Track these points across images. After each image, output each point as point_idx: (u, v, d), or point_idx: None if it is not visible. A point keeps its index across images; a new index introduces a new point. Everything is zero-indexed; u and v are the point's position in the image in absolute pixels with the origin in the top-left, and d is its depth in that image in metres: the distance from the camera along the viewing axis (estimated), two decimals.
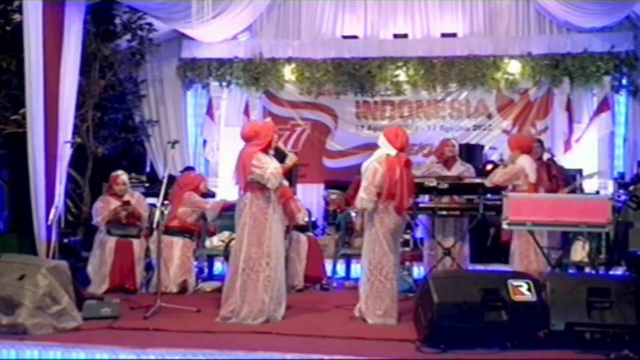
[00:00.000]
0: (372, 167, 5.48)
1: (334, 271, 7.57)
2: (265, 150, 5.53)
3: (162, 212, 6.02)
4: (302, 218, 7.01)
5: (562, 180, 7.38)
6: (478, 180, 7.02)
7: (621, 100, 9.73)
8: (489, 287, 4.70)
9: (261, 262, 5.40)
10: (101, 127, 9.25)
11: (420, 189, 6.51)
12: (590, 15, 9.24)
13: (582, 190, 7.84)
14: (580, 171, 8.91)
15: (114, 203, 7.13)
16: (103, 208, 7.13)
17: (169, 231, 6.84)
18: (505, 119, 10.08)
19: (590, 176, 8.68)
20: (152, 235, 6.90)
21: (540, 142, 7.51)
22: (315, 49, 10.33)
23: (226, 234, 7.17)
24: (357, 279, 7.73)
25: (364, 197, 5.45)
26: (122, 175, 7.27)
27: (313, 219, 8.49)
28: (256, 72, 10.33)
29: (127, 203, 7.09)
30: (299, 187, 9.75)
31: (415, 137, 9.96)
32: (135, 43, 9.25)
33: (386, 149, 5.56)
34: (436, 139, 9.35)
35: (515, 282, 4.75)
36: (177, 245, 6.92)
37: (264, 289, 5.40)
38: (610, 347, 4.45)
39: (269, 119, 6.16)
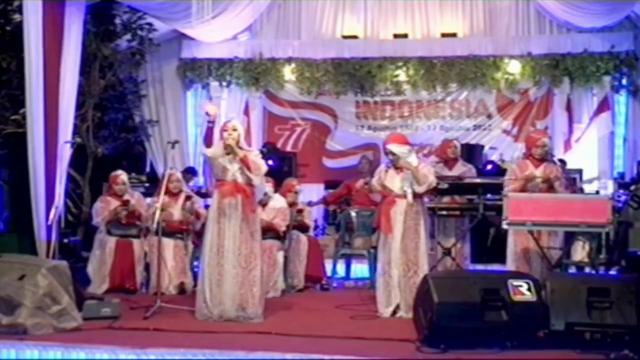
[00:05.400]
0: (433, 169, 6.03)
1: (334, 271, 7.56)
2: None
3: (161, 212, 6.00)
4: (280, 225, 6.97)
5: (568, 181, 7.36)
6: (478, 181, 7.04)
7: (621, 100, 9.74)
8: (489, 287, 4.69)
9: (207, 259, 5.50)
10: (101, 127, 9.25)
11: None
12: (590, 15, 9.25)
13: (582, 191, 7.85)
14: (580, 171, 8.93)
15: (114, 203, 7.12)
16: (103, 208, 7.13)
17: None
18: (505, 119, 10.10)
19: (591, 181, 8.69)
20: (147, 237, 6.95)
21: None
22: (315, 49, 10.34)
23: None
24: (357, 279, 7.77)
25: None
26: (121, 175, 7.27)
27: (313, 219, 8.47)
28: (256, 72, 10.33)
29: (126, 202, 7.08)
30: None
31: (415, 137, 9.97)
32: (135, 43, 9.25)
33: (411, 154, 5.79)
34: (436, 139, 9.37)
35: (515, 282, 4.74)
36: (169, 247, 6.86)
37: (201, 287, 5.48)
38: (610, 347, 4.44)
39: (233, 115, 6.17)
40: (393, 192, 5.78)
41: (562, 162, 8.57)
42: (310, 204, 8.41)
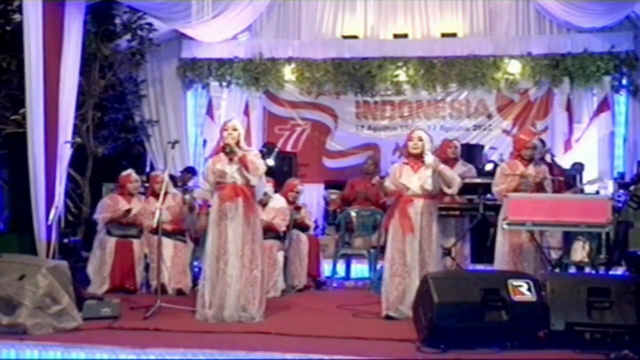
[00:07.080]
0: None
1: (334, 271, 7.56)
2: (217, 153, 5.63)
3: (161, 212, 6.00)
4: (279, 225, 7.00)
5: (564, 181, 7.36)
6: (478, 180, 7.03)
7: (621, 100, 9.73)
8: (489, 287, 4.69)
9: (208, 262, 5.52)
10: (101, 127, 9.25)
11: None
12: (590, 15, 9.25)
13: (582, 191, 7.85)
14: (580, 171, 8.91)
15: (122, 203, 7.11)
16: (109, 206, 7.12)
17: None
18: (505, 119, 10.09)
19: (593, 182, 8.68)
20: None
21: (542, 141, 7.46)
22: (315, 49, 10.34)
23: None
24: (357, 279, 7.77)
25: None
26: (132, 174, 7.30)
27: (313, 219, 8.48)
28: (256, 72, 10.33)
29: (128, 212, 7.06)
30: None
31: None
32: (135, 43, 9.24)
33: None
34: (436, 139, 9.33)
35: (515, 282, 4.75)
36: (168, 247, 6.83)
37: (202, 288, 5.50)
38: (610, 347, 4.44)
39: (234, 115, 6.21)
40: (410, 189, 5.69)
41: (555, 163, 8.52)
42: None
